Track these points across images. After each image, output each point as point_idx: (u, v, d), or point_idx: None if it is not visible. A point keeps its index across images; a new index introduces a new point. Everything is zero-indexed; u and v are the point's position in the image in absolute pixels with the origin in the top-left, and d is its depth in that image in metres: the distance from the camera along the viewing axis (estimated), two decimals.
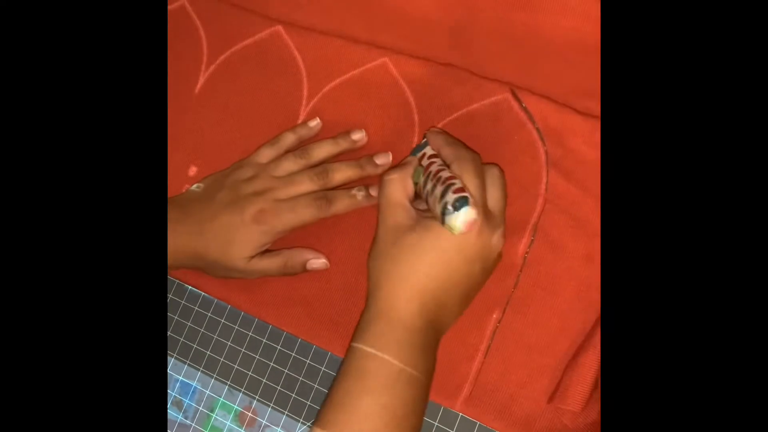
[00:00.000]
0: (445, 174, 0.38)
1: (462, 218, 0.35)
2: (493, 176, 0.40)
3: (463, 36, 0.48)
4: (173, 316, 0.49)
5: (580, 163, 0.44)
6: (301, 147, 0.46)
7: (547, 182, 0.44)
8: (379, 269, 0.39)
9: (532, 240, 0.43)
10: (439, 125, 0.47)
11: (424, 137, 0.43)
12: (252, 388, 0.46)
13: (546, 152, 0.44)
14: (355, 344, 0.38)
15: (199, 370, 0.48)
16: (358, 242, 0.46)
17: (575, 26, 0.45)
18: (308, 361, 0.46)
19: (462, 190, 0.36)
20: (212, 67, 0.52)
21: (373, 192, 0.45)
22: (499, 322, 0.43)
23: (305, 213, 0.43)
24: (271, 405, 0.46)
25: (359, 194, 0.45)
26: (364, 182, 0.46)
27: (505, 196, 0.40)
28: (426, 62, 0.48)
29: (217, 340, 0.48)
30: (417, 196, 0.41)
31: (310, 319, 0.45)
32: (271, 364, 0.46)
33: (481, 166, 0.39)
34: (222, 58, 0.52)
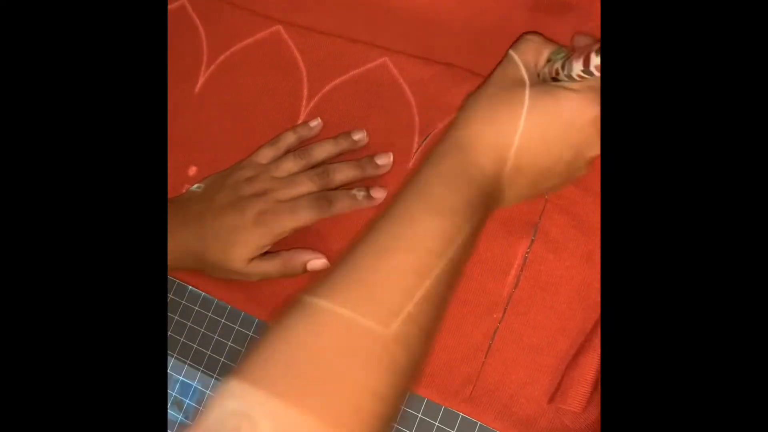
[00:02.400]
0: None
1: (594, 61, 0.32)
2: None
3: (463, 36, 0.48)
4: (173, 316, 0.49)
5: None
6: (301, 147, 0.46)
7: None
8: (476, 107, 0.36)
9: (533, 240, 0.43)
10: (440, 125, 0.47)
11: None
12: None
13: None
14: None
15: (199, 370, 0.48)
16: None
17: (575, 26, 0.45)
18: None
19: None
20: (212, 67, 0.52)
21: (374, 193, 0.45)
22: (499, 322, 0.43)
23: (306, 214, 0.43)
24: None
25: (359, 195, 0.45)
26: (364, 183, 0.46)
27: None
28: (426, 62, 0.48)
29: (217, 340, 0.48)
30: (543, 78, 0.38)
31: None
32: None
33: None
34: (222, 58, 0.52)
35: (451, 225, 0.33)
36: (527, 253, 0.43)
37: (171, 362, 0.48)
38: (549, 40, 0.39)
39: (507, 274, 0.43)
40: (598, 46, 0.33)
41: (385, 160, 0.46)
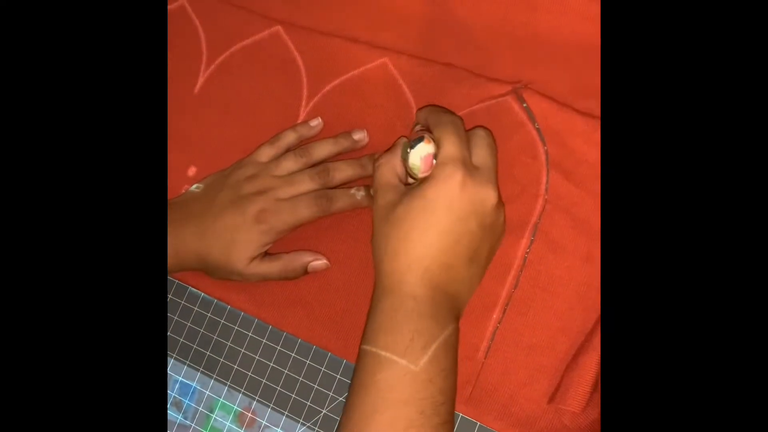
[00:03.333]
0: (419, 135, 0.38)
1: (417, 153, 0.35)
2: (477, 136, 0.40)
3: (463, 36, 0.48)
4: (173, 317, 0.49)
5: (580, 163, 0.44)
6: (301, 146, 0.46)
7: (547, 182, 0.44)
8: (377, 249, 0.38)
9: (532, 240, 0.43)
10: None
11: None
12: (252, 389, 0.46)
13: (546, 152, 0.44)
14: (366, 347, 0.36)
15: (198, 370, 0.48)
16: (359, 243, 0.46)
17: (575, 26, 0.45)
18: (308, 362, 0.46)
19: (423, 135, 0.36)
20: (212, 67, 0.52)
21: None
22: (499, 323, 0.43)
23: (306, 212, 0.43)
24: (271, 405, 0.46)
25: (359, 194, 0.45)
26: (364, 182, 0.46)
27: (494, 154, 0.40)
28: (426, 62, 0.48)
29: (216, 341, 0.48)
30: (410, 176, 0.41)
31: (310, 319, 0.45)
32: (271, 364, 0.46)
33: (461, 126, 0.39)
34: (222, 58, 0.52)
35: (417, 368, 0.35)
36: (527, 253, 0.43)
37: (170, 363, 0.48)
38: (394, 146, 0.41)
39: (507, 275, 0.43)
40: (410, 144, 0.37)
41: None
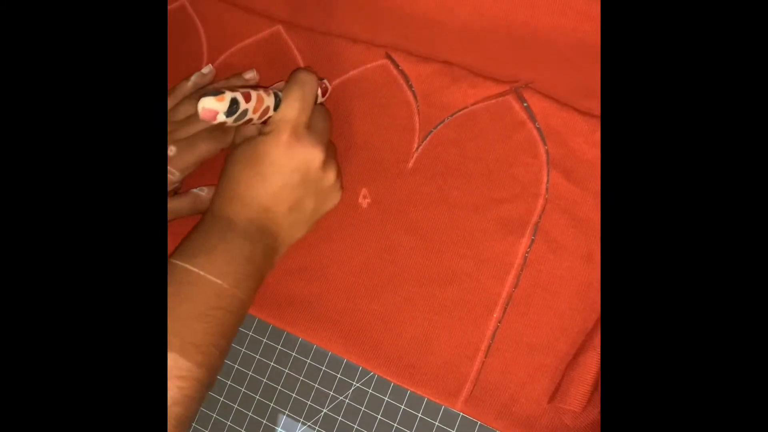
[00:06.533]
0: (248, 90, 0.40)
1: (202, 103, 0.37)
2: (321, 109, 0.44)
3: (463, 36, 0.48)
4: None
5: (581, 162, 0.44)
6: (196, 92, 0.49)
7: (547, 182, 0.44)
8: (219, 180, 0.42)
9: (533, 240, 0.43)
10: (440, 125, 0.47)
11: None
12: (252, 388, 0.46)
13: (547, 151, 0.44)
14: (176, 261, 0.39)
15: None
16: (359, 243, 0.46)
17: (575, 26, 0.45)
18: (308, 361, 0.46)
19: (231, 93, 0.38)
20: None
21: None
22: (499, 322, 0.43)
23: (203, 146, 0.45)
24: (272, 405, 0.46)
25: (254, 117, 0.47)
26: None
27: (330, 128, 0.44)
28: (426, 61, 0.48)
29: None
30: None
31: (309, 318, 0.45)
32: (272, 363, 0.46)
33: (309, 92, 0.41)
34: (222, 58, 0.52)
35: (213, 277, 0.38)
36: (527, 253, 0.43)
37: None
38: (221, 94, 0.42)
39: (507, 274, 0.43)
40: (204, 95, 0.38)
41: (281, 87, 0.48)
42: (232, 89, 0.39)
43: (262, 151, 0.40)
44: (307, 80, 0.42)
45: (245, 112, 0.39)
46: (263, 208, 0.41)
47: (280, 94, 0.41)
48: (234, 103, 0.38)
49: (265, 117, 0.41)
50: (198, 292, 0.38)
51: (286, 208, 0.41)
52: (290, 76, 0.42)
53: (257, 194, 0.40)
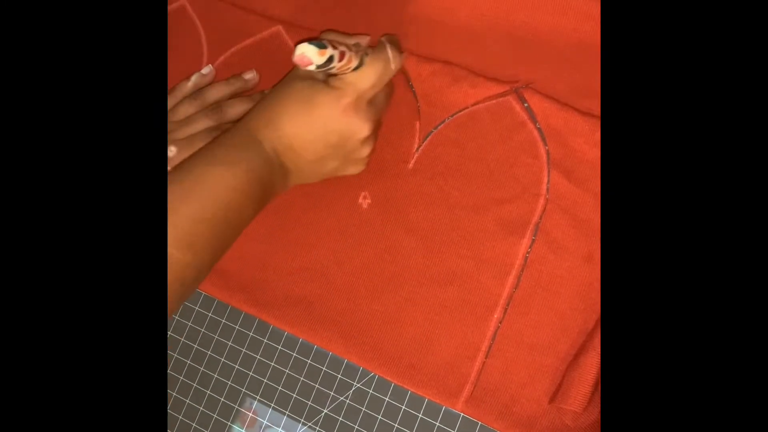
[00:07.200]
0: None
1: (302, 48, 0.38)
2: (388, 86, 0.44)
3: (463, 36, 0.48)
4: (174, 316, 0.49)
5: (581, 162, 0.44)
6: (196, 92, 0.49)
7: (548, 182, 0.44)
8: (264, 99, 0.42)
9: (533, 240, 0.43)
10: (440, 125, 0.47)
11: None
12: (253, 388, 0.46)
13: (547, 152, 0.44)
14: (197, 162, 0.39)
15: (199, 370, 0.48)
16: (359, 243, 0.46)
17: (575, 26, 0.45)
18: (309, 361, 0.46)
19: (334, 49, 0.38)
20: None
21: None
22: (500, 323, 0.43)
23: (202, 146, 0.45)
24: (272, 405, 0.46)
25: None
26: None
27: (386, 107, 0.45)
28: (426, 61, 0.48)
29: (218, 341, 0.48)
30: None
31: (310, 319, 0.45)
32: (272, 364, 0.46)
33: (389, 74, 0.42)
34: (222, 58, 0.52)
35: (227, 171, 0.39)
36: (528, 253, 0.43)
37: (171, 362, 0.48)
38: (340, 35, 0.43)
39: (508, 275, 0.43)
40: (351, 52, 0.39)
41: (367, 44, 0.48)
42: (334, 45, 0.38)
43: (319, 101, 0.40)
44: (393, 60, 0.41)
45: (332, 68, 0.39)
46: (291, 147, 0.41)
47: (365, 58, 0.40)
48: (330, 60, 0.38)
49: (341, 72, 0.41)
50: (208, 196, 0.38)
51: (312, 158, 0.42)
52: (380, 43, 0.42)
53: (293, 133, 0.41)
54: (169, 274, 0.36)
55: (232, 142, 0.41)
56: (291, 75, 0.43)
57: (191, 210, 0.37)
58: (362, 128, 0.41)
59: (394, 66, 0.41)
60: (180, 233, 0.37)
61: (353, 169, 0.45)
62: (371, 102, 0.42)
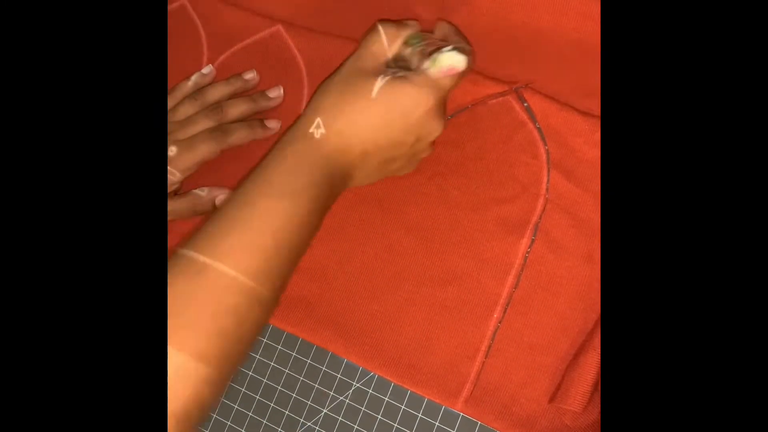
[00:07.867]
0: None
1: (449, 59, 0.36)
2: None
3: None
4: None
5: (581, 162, 0.44)
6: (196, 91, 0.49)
7: (548, 182, 0.44)
8: (325, 96, 0.38)
9: (533, 240, 0.43)
10: None
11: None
12: (252, 388, 0.46)
13: (547, 152, 0.44)
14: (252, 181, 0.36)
15: None
16: (359, 243, 0.46)
17: (575, 26, 0.45)
18: (309, 361, 0.46)
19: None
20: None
21: (268, 123, 0.48)
22: (500, 322, 0.43)
23: (203, 147, 0.45)
24: (272, 405, 0.46)
25: (254, 123, 0.47)
26: (259, 116, 0.48)
27: None
28: None
29: None
30: (397, 61, 0.40)
31: (310, 319, 0.45)
32: (272, 363, 0.46)
33: (468, 70, 0.39)
34: (222, 58, 0.52)
35: (290, 205, 0.35)
36: (528, 253, 0.43)
37: None
38: (406, 24, 0.41)
39: (507, 274, 0.43)
40: (449, 47, 0.36)
41: (276, 93, 0.49)
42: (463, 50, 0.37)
43: (404, 103, 0.37)
44: (470, 60, 0.39)
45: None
46: (365, 152, 0.38)
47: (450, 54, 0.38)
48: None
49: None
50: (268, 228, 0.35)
51: (382, 160, 0.39)
52: (463, 39, 0.40)
53: (372, 139, 0.37)
54: (249, 311, 0.33)
55: (293, 162, 0.36)
56: (353, 70, 0.39)
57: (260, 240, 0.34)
58: (438, 129, 0.39)
59: (470, 63, 0.39)
60: (255, 264, 0.34)
61: (408, 169, 0.43)
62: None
